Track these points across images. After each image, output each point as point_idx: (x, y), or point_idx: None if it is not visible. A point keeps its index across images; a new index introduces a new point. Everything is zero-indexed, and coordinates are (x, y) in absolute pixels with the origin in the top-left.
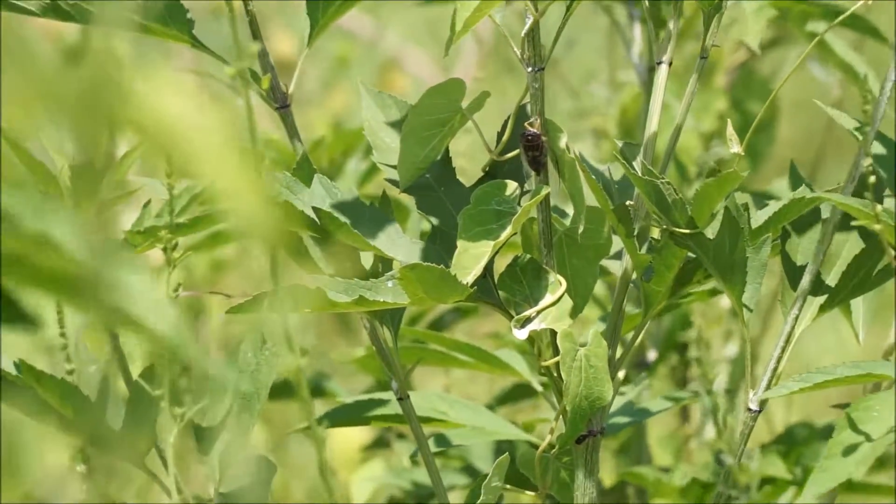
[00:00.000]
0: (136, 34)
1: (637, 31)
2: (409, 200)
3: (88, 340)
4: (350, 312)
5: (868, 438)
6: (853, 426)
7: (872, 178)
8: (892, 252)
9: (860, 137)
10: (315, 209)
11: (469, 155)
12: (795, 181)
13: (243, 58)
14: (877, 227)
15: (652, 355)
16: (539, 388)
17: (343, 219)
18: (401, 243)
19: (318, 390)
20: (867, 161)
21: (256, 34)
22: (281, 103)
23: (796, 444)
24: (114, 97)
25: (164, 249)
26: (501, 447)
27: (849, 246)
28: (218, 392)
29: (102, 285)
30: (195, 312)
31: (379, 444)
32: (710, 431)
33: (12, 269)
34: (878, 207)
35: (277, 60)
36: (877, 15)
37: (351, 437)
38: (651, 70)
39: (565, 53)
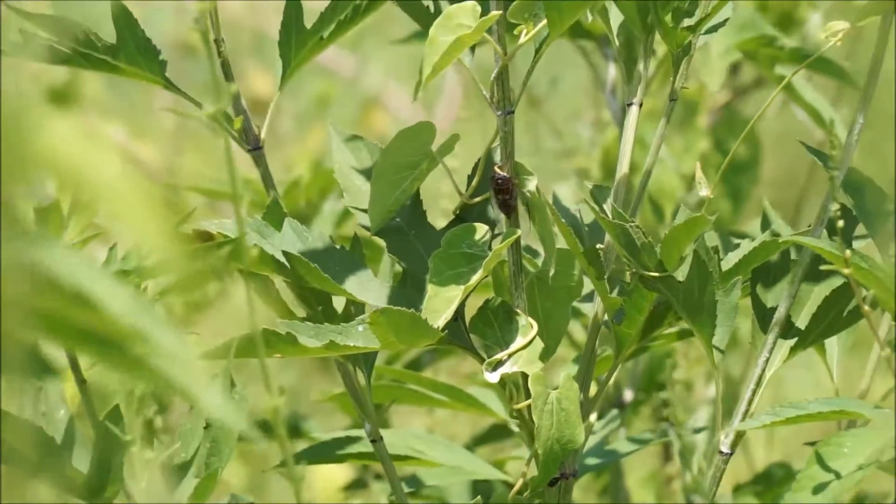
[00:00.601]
0: (109, 74)
1: (612, 71)
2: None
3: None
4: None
5: (837, 476)
6: (822, 463)
7: (841, 223)
8: (863, 294)
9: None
10: (287, 254)
11: (448, 197)
12: (766, 223)
13: (217, 101)
14: (846, 270)
15: (629, 395)
16: (515, 429)
17: (313, 263)
18: (371, 287)
19: (295, 430)
20: (835, 206)
21: (229, 75)
22: (253, 145)
23: (773, 484)
24: (28, 143)
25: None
26: (479, 487)
27: (818, 288)
28: (188, 435)
29: (141, 344)
30: None
31: (358, 485)
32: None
33: (49, 325)
34: (848, 252)
35: (254, 99)
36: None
37: (331, 478)
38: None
39: (549, 92)
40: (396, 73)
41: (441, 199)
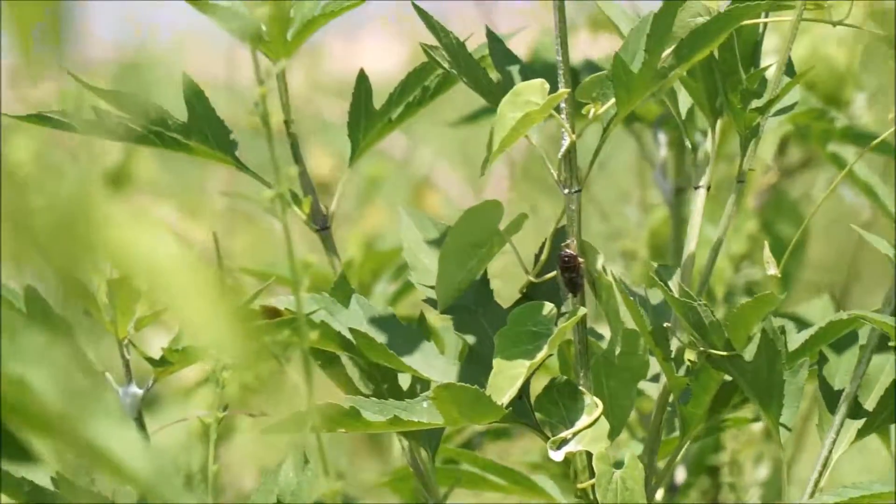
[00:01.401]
0: (179, 154)
1: (663, 153)
2: (441, 323)
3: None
4: (382, 432)
5: None
6: None
7: None
8: None
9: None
10: (352, 330)
11: (505, 275)
12: (825, 306)
13: (284, 180)
14: None
15: (681, 476)
16: None
17: (380, 339)
18: (437, 364)
19: None
20: None
21: (297, 156)
22: (321, 225)
23: None
24: (87, 229)
25: (213, 370)
26: None
27: (887, 370)
28: None
29: (79, 428)
30: (224, 432)
31: None
32: None
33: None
34: None
35: (315, 180)
36: None
37: None
38: (679, 192)
39: (597, 174)
40: (446, 154)
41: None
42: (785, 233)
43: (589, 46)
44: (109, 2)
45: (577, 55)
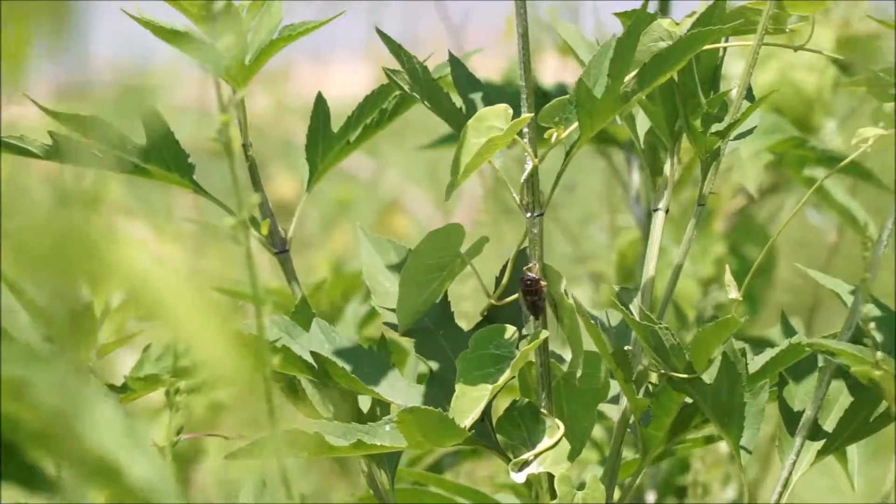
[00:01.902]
0: (137, 178)
1: (635, 176)
2: (407, 342)
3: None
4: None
5: None
6: None
7: (872, 324)
8: (891, 399)
9: (847, 302)
10: (314, 354)
11: (472, 298)
12: (787, 329)
13: (244, 207)
14: (876, 374)
15: (650, 498)
16: None
17: (341, 364)
18: (399, 387)
19: None
20: (866, 308)
21: (256, 179)
22: (280, 248)
23: None
24: (88, 248)
25: (167, 393)
26: None
27: (846, 392)
28: None
29: (76, 436)
30: (193, 455)
31: None
32: None
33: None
34: (879, 354)
35: (278, 202)
36: (873, 161)
37: None
38: (650, 215)
39: (564, 197)
40: (414, 177)
41: (462, 301)
42: (752, 255)
43: (561, 69)
44: (109, 22)
45: (550, 79)
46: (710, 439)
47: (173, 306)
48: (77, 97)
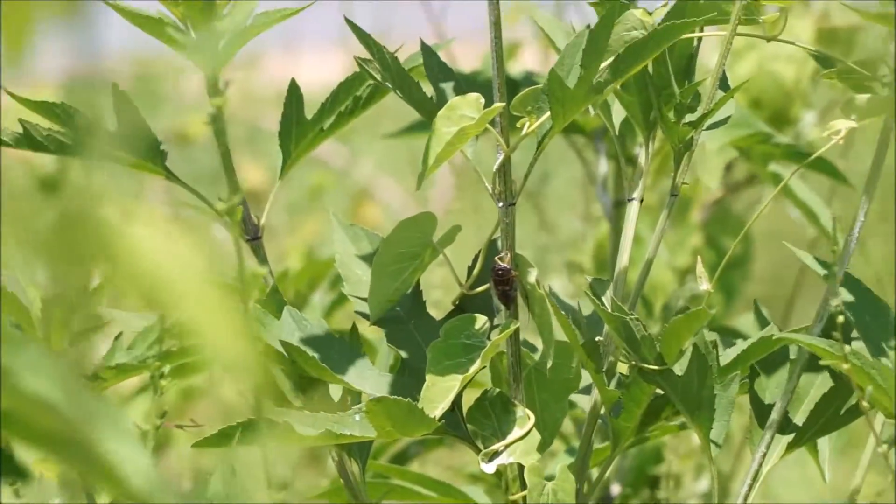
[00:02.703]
0: (109, 164)
1: (602, 165)
2: (375, 334)
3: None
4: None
5: None
6: None
7: (841, 318)
8: (861, 392)
9: (828, 279)
10: (284, 343)
11: (444, 287)
12: (761, 320)
13: (223, 192)
14: (845, 367)
15: (616, 489)
16: None
17: (312, 352)
18: (369, 376)
19: None
20: (836, 301)
21: (229, 166)
22: (252, 235)
23: None
24: (89, 232)
25: (152, 377)
26: None
27: (817, 385)
28: None
29: (89, 445)
30: (163, 441)
31: None
32: None
33: (9, 427)
34: (847, 348)
35: (247, 190)
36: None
37: None
38: (618, 205)
39: (541, 186)
40: (387, 165)
41: (433, 289)
42: (729, 247)
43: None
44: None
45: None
46: (684, 426)
47: (183, 293)
48: (85, 86)
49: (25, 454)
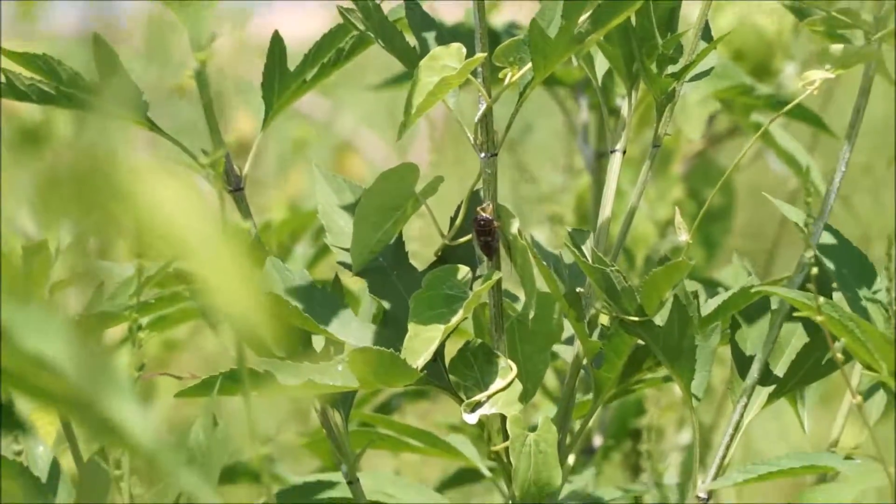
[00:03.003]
0: (91, 115)
1: (584, 116)
2: (358, 284)
3: (36, 421)
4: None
5: None
6: None
7: (815, 270)
8: (836, 344)
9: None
10: (267, 294)
11: (423, 239)
12: (740, 272)
13: (208, 144)
14: (819, 318)
15: (598, 441)
16: (487, 473)
17: (295, 303)
18: (352, 327)
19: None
20: (809, 253)
21: (212, 119)
22: (235, 186)
23: None
24: (104, 185)
25: (130, 329)
26: None
27: (797, 336)
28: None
29: (95, 406)
30: (145, 393)
31: None
32: None
33: (13, 385)
34: (821, 300)
35: (238, 139)
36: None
37: None
38: (600, 157)
39: (523, 137)
40: (369, 118)
41: (411, 242)
42: (710, 201)
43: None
44: None
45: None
46: (668, 378)
47: (197, 244)
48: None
49: (24, 406)
